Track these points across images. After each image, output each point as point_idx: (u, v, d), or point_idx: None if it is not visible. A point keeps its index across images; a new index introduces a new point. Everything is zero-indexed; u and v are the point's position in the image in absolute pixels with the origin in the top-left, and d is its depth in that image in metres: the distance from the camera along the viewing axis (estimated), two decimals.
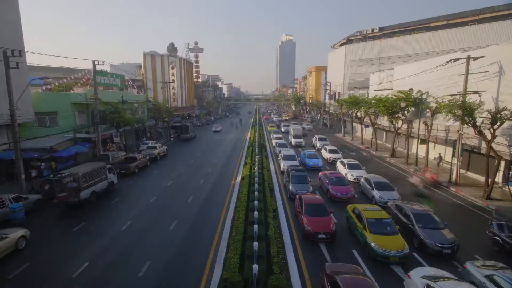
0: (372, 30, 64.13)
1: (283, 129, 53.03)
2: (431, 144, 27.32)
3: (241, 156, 32.41)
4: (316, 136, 39.62)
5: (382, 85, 38.69)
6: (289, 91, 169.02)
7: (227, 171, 26.68)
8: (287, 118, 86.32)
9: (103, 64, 27.37)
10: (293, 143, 38.87)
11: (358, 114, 40.40)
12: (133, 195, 20.25)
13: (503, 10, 45.24)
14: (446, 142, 25.82)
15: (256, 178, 19.72)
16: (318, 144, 36.25)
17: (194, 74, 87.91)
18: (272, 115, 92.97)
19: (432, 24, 54.21)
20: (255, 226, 12.16)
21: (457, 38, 44.08)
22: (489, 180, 18.74)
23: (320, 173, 21.77)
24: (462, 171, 23.82)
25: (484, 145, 20.10)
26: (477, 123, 18.87)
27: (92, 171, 18.72)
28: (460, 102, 19.69)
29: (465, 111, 18.97)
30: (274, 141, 39.11)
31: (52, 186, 18.33)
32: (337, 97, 57.07)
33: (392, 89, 34.21)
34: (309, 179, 20.03)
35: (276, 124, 61.79)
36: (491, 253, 12.40)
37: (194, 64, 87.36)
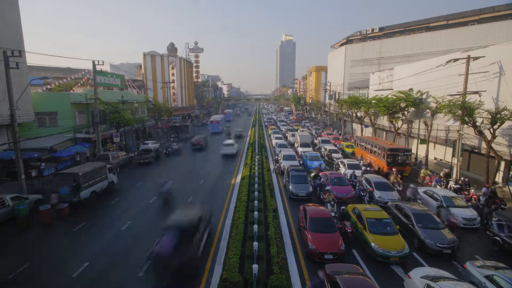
0: (372, 30, 64.15)
1: (291, 139, 40.54)
2: (431, 144, 27.31)
3: (241, 156, 32.41)
4: (319, 138, 39.37)
5: (382, 85, 38.68)
6: (289, 91, 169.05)
7: (227, 171, 26.66)
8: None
9: (103, 64, 27.39)
10: (300, 153, 31.14)
11: (358, 114, 40.40)
12: (133, 195, 20.24)
13: (503, 10, 45.23)
14: (446, 142, 25.82)
15: (256, 178, 19.74)
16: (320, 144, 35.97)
17: (194, 74, 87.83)
18: (278, 123, 67.60)
19: (432, 24, 54.22)
20: (255, 226, 12.17)
21: (457, 38, 44.05)
22: (489, 180, 18.74)
23: (320, 174, 21.79)
24: (462, 171, 23.83)
25: (484, 145, 20.10)
26: (477, 123, 18.88)
27: (92, 171, 18.72)
28: (460, 102, 19.70)
29: (465, 111, 18.97)
30: (274, 141, 39.04)
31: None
32: (337, 97, 57.04)
33: (392, 89, 34.21)
34: (309, 179, 20.05)
35: (283, 135, 46.76)
36: (491, 253, 12.40)
37: (194, 64, 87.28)
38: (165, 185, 18.16)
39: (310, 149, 32.30)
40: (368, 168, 23.95)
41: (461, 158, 21.55)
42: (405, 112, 29.27)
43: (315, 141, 38.91)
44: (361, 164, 25.16)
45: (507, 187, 19.86)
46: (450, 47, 43.06)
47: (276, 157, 28.87)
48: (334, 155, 29.44)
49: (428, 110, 25.99)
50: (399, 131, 31.27)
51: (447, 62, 22.24)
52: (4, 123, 22.21)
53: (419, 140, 27.08)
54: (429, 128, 25.42)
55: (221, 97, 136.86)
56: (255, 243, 10.65)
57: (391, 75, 36.73)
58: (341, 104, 47.15)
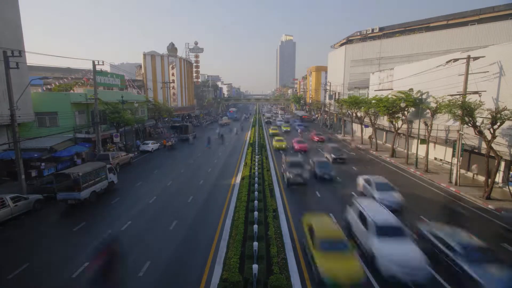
0: (372, 30, 64.13)
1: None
2: (431, 144, 27.29)
3: (241, 156, 32.41)
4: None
5: (382, 85, 38.70)
6: (289, 91, 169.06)
7: (227, 171, 26.67)
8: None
9: (103, 64, 27.38)
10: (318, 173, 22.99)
11: (358, 114, 40.41)
12: (133, 195, 20.24)
13: (503, 10, 45.23)
14: (446, 142, 25.82)
15: (256, 178, 19.73)
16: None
17: (194, 74, 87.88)
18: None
19: (432, 24, 54.21)
20: (255, 226, 12.17)
21: (457, 38, 44.07)
22: (489, 180, 18.73)
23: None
24: (462, 171, 23.82)
25: (484, 145, 20.09)
26: (477, 123, 18.86)
27: (92, 171, 18.73)
28: (460, 102, 19.69)
29: (465, 111, 18.96)
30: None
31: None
32: (337, 97, 57.05)
33: (392, 89, 34.21)
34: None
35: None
36: None
37: (194, 64, 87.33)
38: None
39: (330, 171, 23.00)
40: None
41: (461, 158, 21.56)
42: (405, 112, 29.27)
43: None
44: None
45: (507, 187, 19.86)
46: (450, 47, 43.07)
47: None
48: None
49: (428, 110, 25.98)
50: (399, 131, 31.29)
51: (447, 62, 22.25)
52: (4, 123, 22.22)
53: (419, 140, 27.06)
54: (429, 128, 25.41)
55: (221, 97, 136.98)
56: (255, 243, 10.65)
57: (391, 75, 36.73)
58: (341, 104, 47.17)
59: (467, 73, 20.15)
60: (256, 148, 31.96)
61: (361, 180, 19.88)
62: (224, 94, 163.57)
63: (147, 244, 13.32)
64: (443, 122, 24.59)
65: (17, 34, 23.83)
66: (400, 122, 30.54)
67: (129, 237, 14.06)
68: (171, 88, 64.09)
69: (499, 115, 17.27)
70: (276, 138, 39.92)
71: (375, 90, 40.03)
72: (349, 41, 67.28)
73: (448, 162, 25.56)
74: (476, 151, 22.35)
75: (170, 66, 68.90)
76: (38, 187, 19.31)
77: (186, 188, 21.71)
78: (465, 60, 20.24)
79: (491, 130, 17.86)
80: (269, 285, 8.94)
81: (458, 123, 21.04)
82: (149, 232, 14.55)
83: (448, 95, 21.53)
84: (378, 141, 36.81)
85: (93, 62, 26.71)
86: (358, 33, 67.19)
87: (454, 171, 21.83)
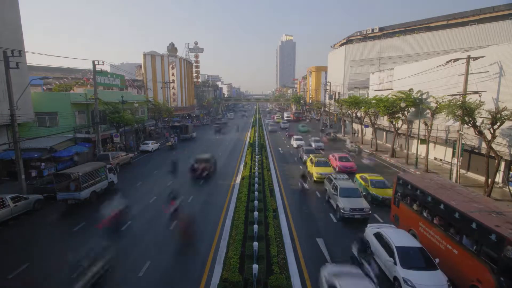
0: (372, 30, 64.18)
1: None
2: (431, 144, 27.30)
3: (241, 156, 32.41)
4: None
5: (382, 85, 38.70)
6: (289, 91, 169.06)
7: (227, 171, 26.67)
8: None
9: (103, 64, 27.39)
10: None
11: (358, 114, 40.41)
12: (133, 195, 20.23)
13: (503, 10, 45.28)
14: (446, 142, 25.82)
15: (256, 178, 19.73)
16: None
17: (194, 74, 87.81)
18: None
19: (432, 24, 54.26)
20: (255, 226, 12.16)
21: (457, 38, 44.10)
22: (489, 180, 18.73)
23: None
24: (462, 171, 23.83)
25: (484, 145, 20.10)
26: (477, 123, 18.87)
27: (92, 171, 18.73)
28: (460, 102, 19.69)
29: (465, 111, 18.96)
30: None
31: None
32: (337, 97, 57.07)
33: (392, 89, 34.22)
34: None
35: None
36: None
37: (194, 64, 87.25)
38: None
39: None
40: None
41: (461, 158, 21.55)
42: (405, 112, 29.28)
43: None
44: None
45: (507, 187, 19.86)
46: (450, 47, 43.09)
47: None
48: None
49: (428, 110, 25.99)
50: (399, 131, 31.29)
51: (447, 62, 22.24)
52: (4, 123, 22.22)
53: (419, 140, 27.06)
54: (429, 128, 25.41)
55: (221, 97, 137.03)
56: (255, 243, 10.65)
57: (391, 75, 36.73)
58: (341, 104, 47.18)
59: (467, 73, 20.14)
60: (256, 148, 31.96)
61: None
62: (224, 94, 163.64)
63: (147, 244, 13.32)
64: (443, 122, 24.59)
65: (17, 34, 23.83)
66: (400, 122, 30.55)
67: (129, 237, 14.07)
68: (171, 88, 64.06)
69: (499, 115, 17.28)
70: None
71: (375, 90, 40.03)
72: (349, 41, 67.31)
73: (448, 162, 25.56)
74: (476, 151, 22.36)
75: (170, 66, 68.89)
76: (38, 187, 19.28)
77: (186, 188, 21.70)
78: (465, 60, 20.23)
79: (491, 130, 17.87)
80: (269, 285, 8.94)
81: (458, 123, 21.04)
82: (149, 232, 14.55)
83: (448, 95, 21.53)
84: (378, 141, 36.82)
85: (93, 62, 26.73)
86: (358, 33, 67.22)
87: (454, 171, 21.83)
